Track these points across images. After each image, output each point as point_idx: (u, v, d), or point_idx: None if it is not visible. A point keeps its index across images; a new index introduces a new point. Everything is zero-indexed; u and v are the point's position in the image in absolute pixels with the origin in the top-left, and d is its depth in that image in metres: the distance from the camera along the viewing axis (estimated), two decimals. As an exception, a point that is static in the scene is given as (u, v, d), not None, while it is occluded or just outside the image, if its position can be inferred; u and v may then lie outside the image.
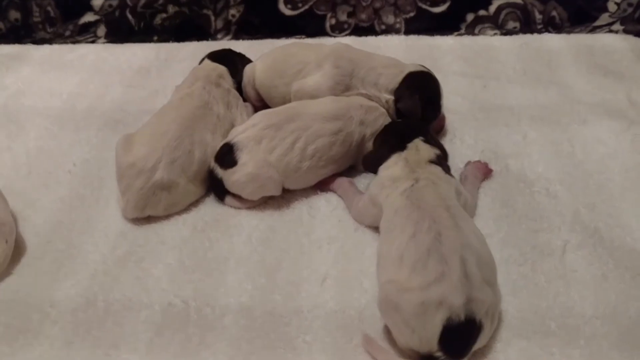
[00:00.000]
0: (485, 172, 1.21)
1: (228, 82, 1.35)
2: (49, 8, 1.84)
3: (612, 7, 1.72)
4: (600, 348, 0.91)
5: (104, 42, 1.81)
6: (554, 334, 0.94)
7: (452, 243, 0.91)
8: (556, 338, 0.93)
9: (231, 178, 1.15)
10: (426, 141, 1.13)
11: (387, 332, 0.94)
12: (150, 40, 1.79)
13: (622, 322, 0.94)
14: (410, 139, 1.12)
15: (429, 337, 0.86)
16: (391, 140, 1.14)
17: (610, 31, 1.71)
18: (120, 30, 1.82)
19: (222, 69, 1.36)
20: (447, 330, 0.85)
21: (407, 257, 0.92)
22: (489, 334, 0.91)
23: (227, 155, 1.17)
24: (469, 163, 1.23)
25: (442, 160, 1.12)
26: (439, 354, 0.86)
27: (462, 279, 0.87)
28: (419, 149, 1.11)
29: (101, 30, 1.83)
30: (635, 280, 1.00)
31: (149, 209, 1.15)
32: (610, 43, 1.63)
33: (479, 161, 1.23)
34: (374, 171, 1.14)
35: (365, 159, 1.20)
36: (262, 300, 1.02)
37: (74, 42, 1.81)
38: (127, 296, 1.03)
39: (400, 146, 1.11)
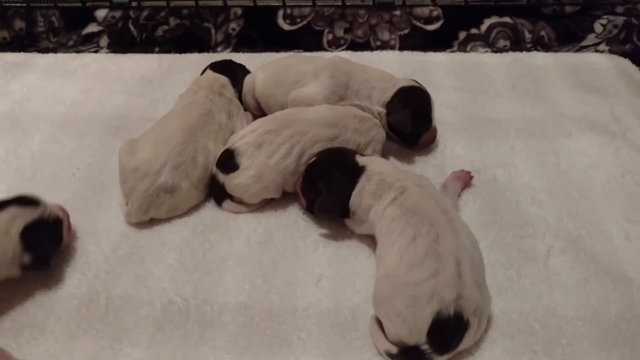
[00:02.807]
0: (465, 180, 1.24)
1: (230, 91, 1.38)
2: (53, 18, 1.87)
3: (598, 28, 1.77)
4: (581, 347, 0.95)
5: (106, 52, 1.85)
6: (537, 334, 0.98)
7: (449, 245, 0.95)
8: (539, 337, 0.97)
9: (233, 182, 1.19)
10: (362, 154, 1.17)
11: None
12: (151, 52, 1.82)
13: (602, 323, 0.99)
14: (353, 159, 1.13)
15: (418, 328, 0.90)
16: (341, 173, 1.12)
17: (597, 51, 1.75)
18: (123, 41, 1.86)
19: (224, 79, 1.40)
20: (437, 323, 0.89)
21: (407, 257, 0.96)
22: (475, 335, 0.94)
23: (228, 161, 1.20)
24: (453, 173, 1.26)
25: None
26: (425, 346, 0.90)
27: (455, 277, 0.91)
28: (376, 161, 1.14)
29: (104, 41, 1.87)
30: (614, 284, 1.05)
31: (152, 211, 1.18)
32: (594, 61, 1.67)
33: (461, 170, 1.26)
34: (341, 208, 1.11)
35: (324, 202, 1.11)
36: (259, 299, 1.05)
37: (77, 52, 1.84)
38: (129, 294, 1.06)
39: (357, 169, 1.11)
